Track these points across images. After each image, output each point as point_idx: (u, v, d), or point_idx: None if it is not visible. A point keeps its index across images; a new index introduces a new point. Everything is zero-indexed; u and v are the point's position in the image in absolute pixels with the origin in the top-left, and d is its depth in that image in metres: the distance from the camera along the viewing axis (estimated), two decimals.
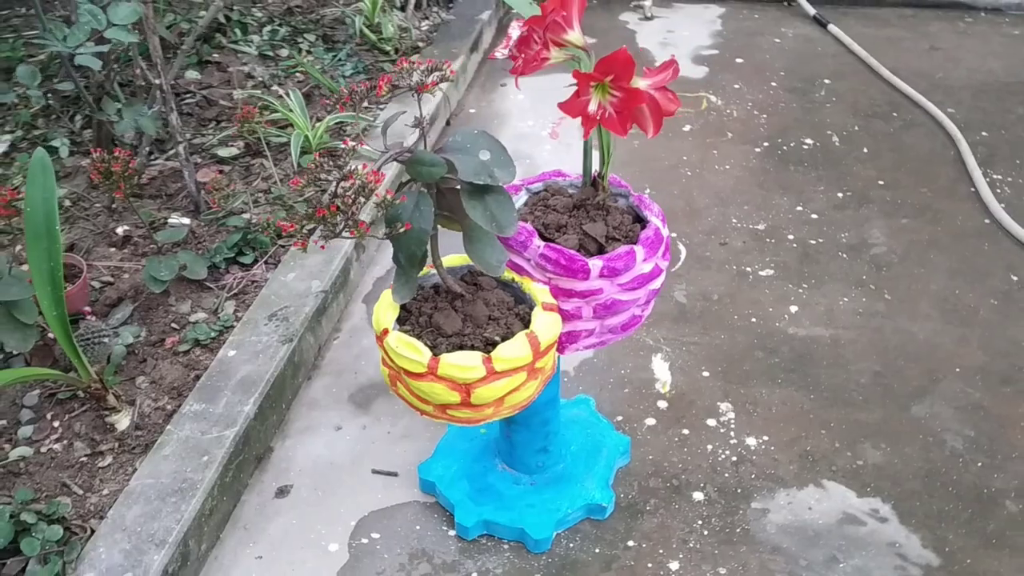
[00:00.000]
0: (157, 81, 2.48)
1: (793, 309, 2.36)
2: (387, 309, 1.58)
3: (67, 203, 2.71)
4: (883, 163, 2.93)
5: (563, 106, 1.49)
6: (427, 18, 3.82)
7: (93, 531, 1.75)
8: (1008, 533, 1.79)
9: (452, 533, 1.84)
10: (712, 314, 2.35)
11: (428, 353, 1.50)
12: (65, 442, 1.96)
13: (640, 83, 1.57)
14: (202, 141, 2.98)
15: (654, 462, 1.97)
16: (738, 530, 1.82)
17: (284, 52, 3.55)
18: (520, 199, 1.79)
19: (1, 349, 2.11)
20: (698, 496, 1.90)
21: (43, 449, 1.95)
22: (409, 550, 1.82)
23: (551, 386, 1.80)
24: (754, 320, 2.33)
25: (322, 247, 1.38)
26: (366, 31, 3.53)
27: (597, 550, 1.80)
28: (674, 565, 1.76)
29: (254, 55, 3.50)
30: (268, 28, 3.64)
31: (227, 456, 1.89)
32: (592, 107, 1.48)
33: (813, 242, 2.59)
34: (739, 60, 3.60)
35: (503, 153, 1.48)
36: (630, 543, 1.81)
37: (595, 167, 1.72)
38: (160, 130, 2.63)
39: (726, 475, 1.93)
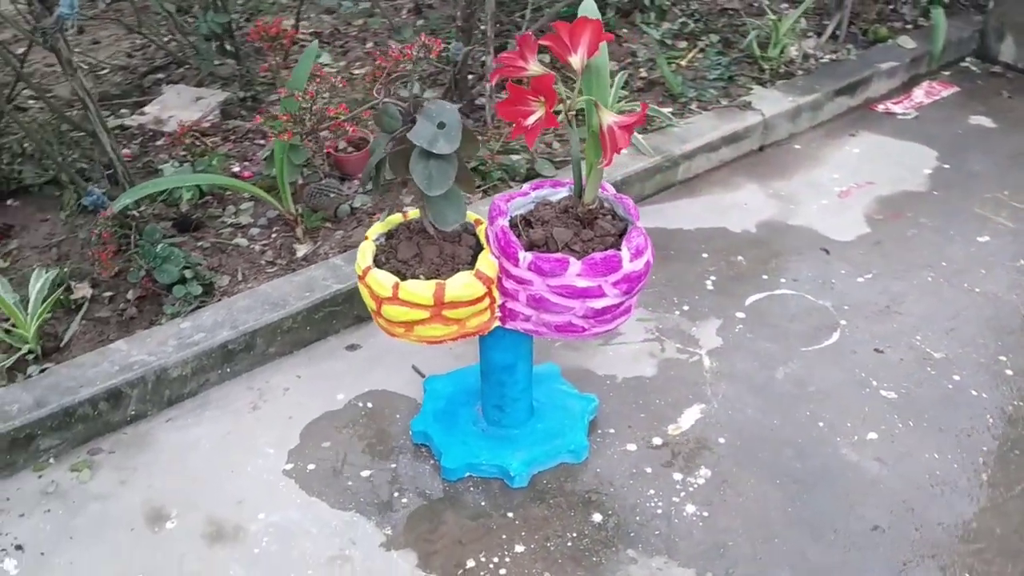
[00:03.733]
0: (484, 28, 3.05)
1: (871, 436, 2.15)
2: (381, 226, 1.98)
3: None
4: None
5: (499, 105, 1.71)
6: (836, 52, 3.77)
7: (218, 302, 2.47)
8: None
9: (410, 432, 2.20)
10: (790, 401, 2.25)
11: (369, 262, 1.88)
12: (265, 248, 2.72)
13: (608, 117, 1.71)
14: None
15: (596, 476, 2.08)
16: (594, 559, 1.90)
17: (683, 45, 3.85)
18: (560, 193, 2.01)
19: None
20: (597, 518, 1.98)
21: (252, 246, 2.72)
22: (378, 424, 2.24)
23: (509, 354, 2.04)
24: (821, 424, 2.18)
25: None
26: (753, 45, 3.66)
27: (483, 503, 2.03)
28: (519, 548, 1.93)
29: (655, 39, 3.86)
30: (681, 19, 3.95)
31: (324, 300, 2.47)
32: (531, 120, 1.68)
33: (973, 393, 2.25)
34: None
35: (456, 130, 1.76)
36: (509, 514, 2.00)
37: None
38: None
39: (637, 519, 1.98)
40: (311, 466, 2.13)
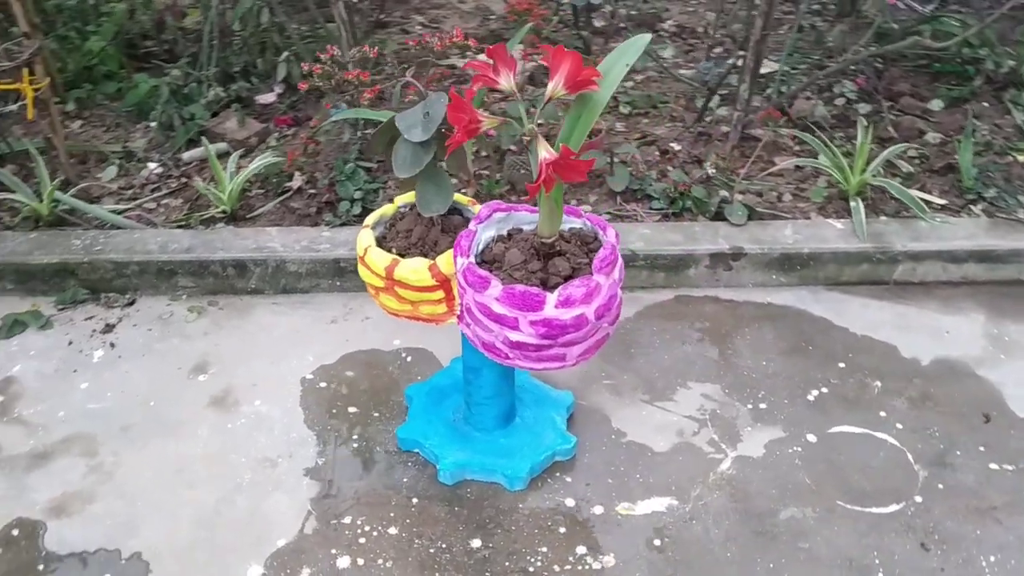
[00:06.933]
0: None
1: None
2: (409, 196, 2.11)
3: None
4: None
5: (448, 108, 1.70)
6: None
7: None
8: None
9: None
10: (767, 544, 1.92)
11: (369, 222, 2.04)
12: None
13: (543, 151, 1.65)
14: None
15: (513, 509, 2.03)
16: (436, 575, 1.89)
17: None
18: (569, 223, 1.96)
19: None
20: (475, 544, 1.95)
21: None
22: (402, 377, 2.41)
23: (474, 356, 2.06)
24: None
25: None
26: None
27: (405, 479, 2.11)
28: (391, 530, 1.99)
29: (1017, 122, 3.23)
30: None
31: None
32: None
33: None
34: None
35: (434, 123, 1.82)
36: (414, 500, 2.06)
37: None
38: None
39: (506, 564, 1.90)
40: (323, 384, 2.38)
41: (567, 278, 1.78)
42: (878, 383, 2.34)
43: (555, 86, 1.68)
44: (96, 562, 1.92)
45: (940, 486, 2.05)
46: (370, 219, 2.04)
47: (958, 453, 2.14)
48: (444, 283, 1.91)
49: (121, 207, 2.96)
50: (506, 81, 1.71)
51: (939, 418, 2.23)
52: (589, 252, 1.86)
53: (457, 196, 2.10)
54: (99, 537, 1.98)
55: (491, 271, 1.81)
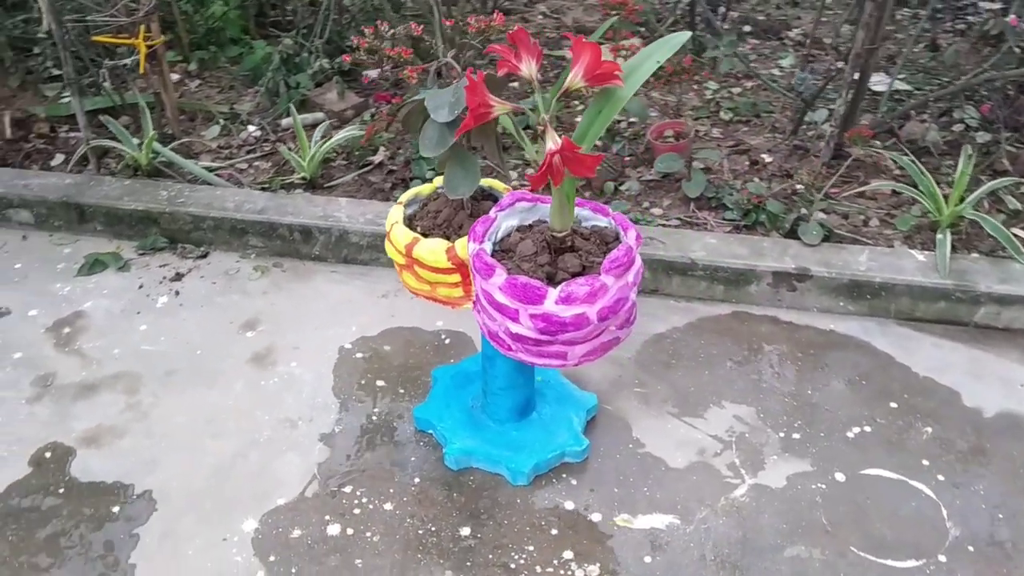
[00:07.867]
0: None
1: None
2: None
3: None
4: None
5: (466, 89, 1.68)
6: None
7: None
8: None
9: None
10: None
11: (403, 199, 2.06)
12: (512, 183, 2.93)
13: (551, 141, 1.61)
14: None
15: (512, 503, 2.00)
16: (418, 555, 1.89)
17: None
18: (592, 220, 1.91)
19: None
20: (464, 532, 1.94)
21: (512, 180, 2.96)
22: (435, 357, 2.42)
23: (489, 345, 2.04)
24: None
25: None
26: None
27: (413, 459, 2.12)
28: (387, 506, 2.00)
29: None
30: None
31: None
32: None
33: None
34: None
35: (458, 107, 1.80)
36: (416, 480, 2.06)
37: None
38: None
39: (489, 557, 1.88)
40: (359, 355, 2.42)
41: (576, 275, 1.74)
42: (928, 429, 2.17)
43: (574, 77, 1.64)
44: (109, 493, 2.02)
45: (970, 548, 1.89)
46: (404, 196, 2.06)
47: (1000, 516, 1.96)
48: (461, 267, 1.90)
49: (215, 165, 3.10)
50: (527, 68, 1.68)
51: (988, 475, 2.05)
52: (607, 251, 1.81)
53: (495, 183, 2.09)
54: (119, 471, 2.08)
55: (503, 260, 1.80)
